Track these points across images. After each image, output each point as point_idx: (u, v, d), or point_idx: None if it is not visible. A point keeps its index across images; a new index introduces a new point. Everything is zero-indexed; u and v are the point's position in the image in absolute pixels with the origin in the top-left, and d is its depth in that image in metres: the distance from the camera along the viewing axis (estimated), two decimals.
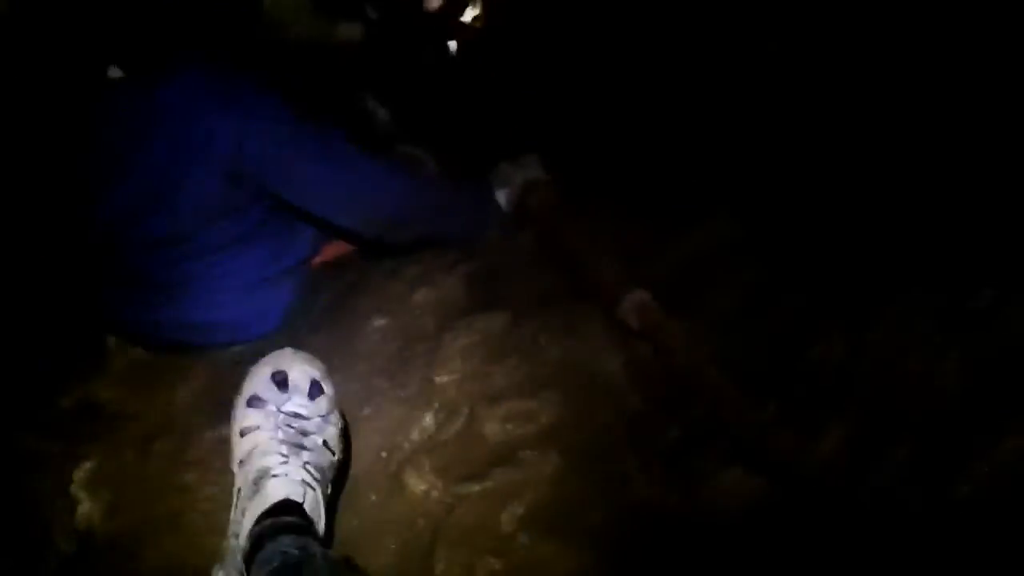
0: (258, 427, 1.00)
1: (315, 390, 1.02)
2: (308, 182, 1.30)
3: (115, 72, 1.23)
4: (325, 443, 1.01)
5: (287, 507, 0.92)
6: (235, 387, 1.08)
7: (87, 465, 1.15)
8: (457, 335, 1.32)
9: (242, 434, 1.01)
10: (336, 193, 1.32)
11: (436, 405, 1.22)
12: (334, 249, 1.50)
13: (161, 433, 1.20)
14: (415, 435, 1.18)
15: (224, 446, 1.07)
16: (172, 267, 1.36)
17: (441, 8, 2.18)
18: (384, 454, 1.16)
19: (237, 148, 1.23)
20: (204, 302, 1.39)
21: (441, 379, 1.26)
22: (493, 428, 1.18)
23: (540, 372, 1.25)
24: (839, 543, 0.88)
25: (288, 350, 1.06)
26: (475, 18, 2.18)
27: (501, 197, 1.50)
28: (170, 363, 1.34)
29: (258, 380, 1.02)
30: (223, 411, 1.10)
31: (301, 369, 1.03)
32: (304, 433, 0.99)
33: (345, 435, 1.07)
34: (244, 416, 1.01)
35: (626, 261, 1.35)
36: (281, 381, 1.01)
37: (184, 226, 1.31)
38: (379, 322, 1.40)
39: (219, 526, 1.01)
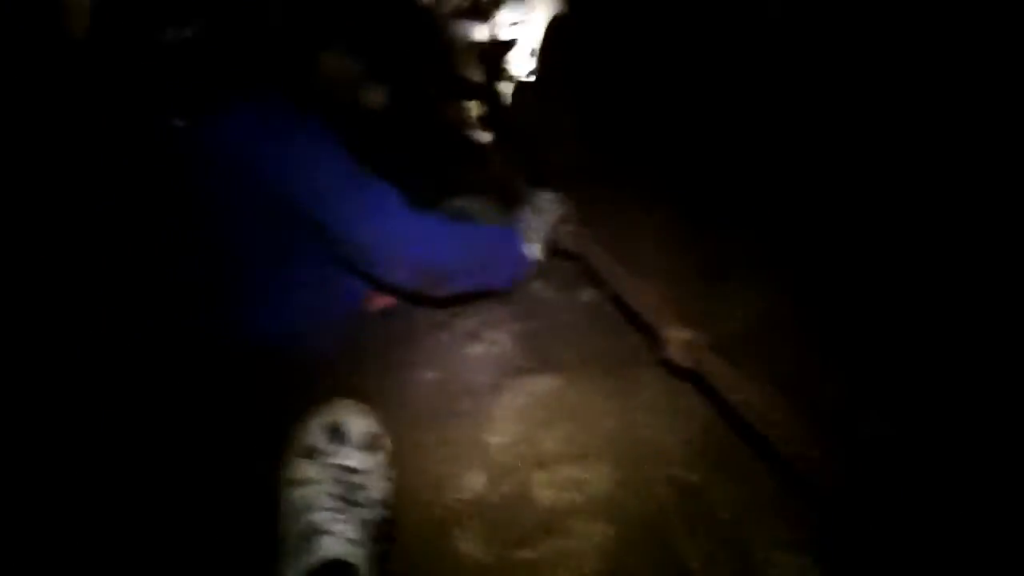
0: (310, 479, 0.97)
1: (372, 444, 1.00)
2: (353, 235, 1.30)
3: (179, 123, 1.25)
4: (379, 499, 0.98)
5: (339, 566, 0.89)
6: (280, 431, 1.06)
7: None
8: (509, 394, 1.30)
9: (293, 484, 0.98)
10: (378, 248, 1.31)
11: (486, 466, 1.19)
12: (383, 297, 1.49)
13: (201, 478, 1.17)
14: (465, 495, 1.15)
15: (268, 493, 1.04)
16: (224, 310, 1.37)
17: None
18: (433, 512, 1.13)
19: (289, 192, 1.24)
20: (254, 344, 1.38)
21: (492, 439, 1.23)
22: (543, 493, 1.15)
23: (593, 438, 1.22)
24: None
25: (346, 401, 1.04)
26: (531, 72, 2.22)
27: (534, 250, 1.49)
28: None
29: (313, 430, 1.00)
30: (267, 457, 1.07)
31: (358, 421, 1.01)
32: (359, 488, 0.97)
33: (396, 487, 1.05)
34: (296, 467, 0.99)
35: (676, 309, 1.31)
36: (336, 433, 0.99)
37: (235, 270, 1.33)
38: (429, 375, 1.38)
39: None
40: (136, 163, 1.31)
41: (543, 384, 1.32)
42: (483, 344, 1.42)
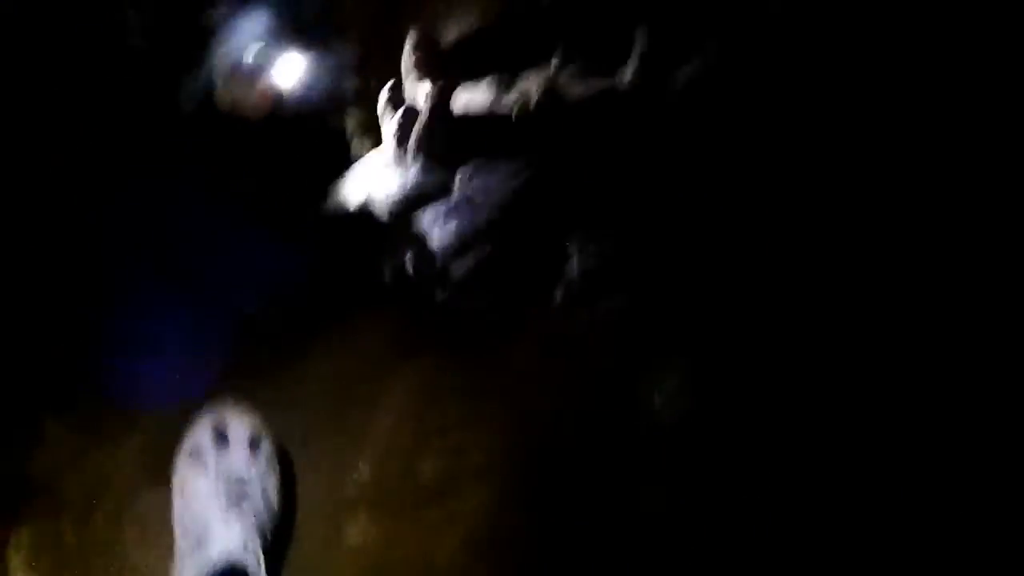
0: (198, 482, 1.02)
1: (254, 444, 1.05)
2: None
3: None
4: (265, 495, 1.04)
5: (230, 567, 0.94)
6: (174, 444, 1.10)
7: (23, 533, 1.14)
8: (392, 379, 1.36)
9: (182, 490, 1.03)
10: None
11: (376, 447, 1.26)
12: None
13: (100, 494, 1.20)
14: (354, 477, 1.22)
15: (166, 503, 1.09)
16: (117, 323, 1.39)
17: None
18: (324, 500, 1.19)
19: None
20: (148, 354, 1.41)
21: (380, 421, 1.30)
22: (429, 464, 1.23)
23: (473, 409, 1.30)
24: None
25: (227, 403, 1.09)
26: None
27: None
28: (107, 425, 1.34)
29: (198, 435, 1.05)
30: (163, 468, 1.11)
31: (240, 422, 1.06)
32: (244, 487, 1.02)
33: (285, 486, 1.10)
34: (185, 471, 1.03)
35: None
36: (221, 435, 1.04)
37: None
38: (317, 367, 1.43)
39: None
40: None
41: (426, 364, 1.39)
42: (367, 333, 1.48)
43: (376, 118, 2.65)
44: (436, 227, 2.07)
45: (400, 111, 2.26)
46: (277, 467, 1.08)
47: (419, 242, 1.70)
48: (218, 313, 1.46)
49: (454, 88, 2.23)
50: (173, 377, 1.43)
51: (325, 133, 2.57)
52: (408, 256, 1.59)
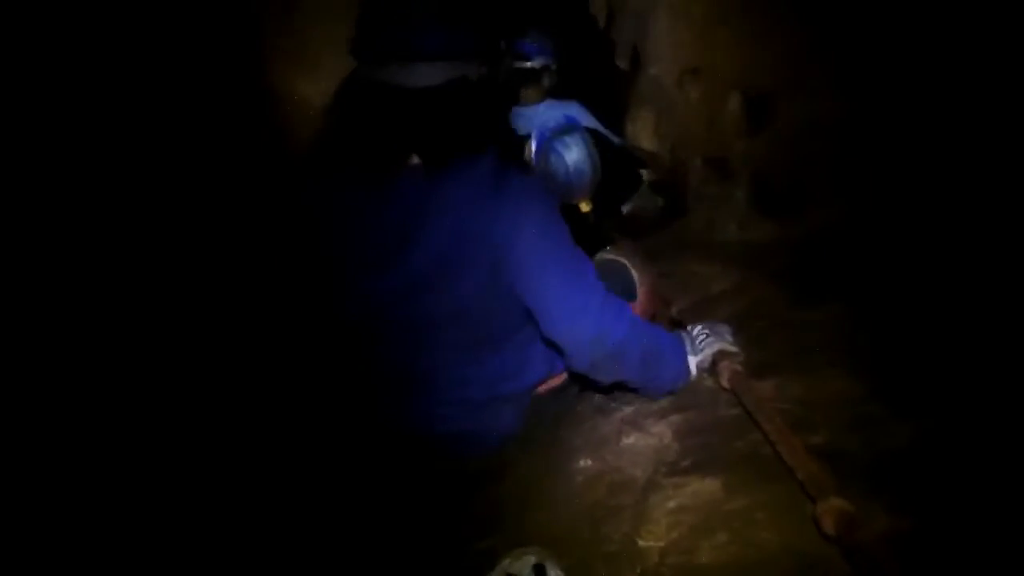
0: None
1: None
2: (551, 297, 1.37)
3: (415, 160, 1.36)
4: None
5: None
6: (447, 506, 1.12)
7: None
8: (665, 495, 1.29)
9: None
10: (571, 315, 1.36)
11: (637, 571, 1.20)
12: (555, 379, 1.54)
13: None
14: None
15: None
16: (417, 358, 1.46)
17: None
18: None
19: (506, 241, 1.33)
20: (433, 411, 1.48)
21: (645, 543, 1.23)
22: None
23: (751, 554, 1.18)
24: None
25: (547, 549, 1.19)
26: None
27: (692, 362, 1.48)
28: (385, 475, 1.42)
29: (519, 565, 1.15)
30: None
31: (555, 566, 1.15)
32: None
33: None
34: None
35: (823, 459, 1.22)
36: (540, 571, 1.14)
37: (444, 312, 1.40)
38: (585, 463, 1.40)
39: None
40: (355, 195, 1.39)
41: (699, 486, 1.29)
42: (641, 434, 1.41)
43: None
44: None
45: None
46: None
47: None
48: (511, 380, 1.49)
49: None
50: (454, 437, 1.49)
51: None
52: None
